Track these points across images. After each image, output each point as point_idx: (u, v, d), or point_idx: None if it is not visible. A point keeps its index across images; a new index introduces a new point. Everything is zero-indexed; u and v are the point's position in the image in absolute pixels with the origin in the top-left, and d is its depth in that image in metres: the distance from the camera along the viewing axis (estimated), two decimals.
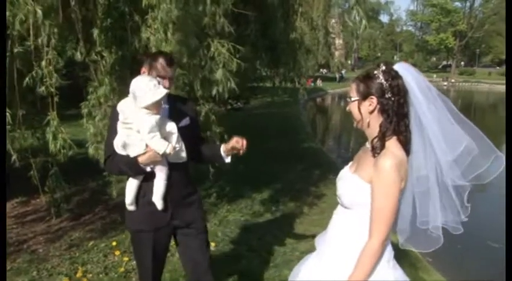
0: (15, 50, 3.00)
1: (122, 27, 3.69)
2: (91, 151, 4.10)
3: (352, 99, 1.80)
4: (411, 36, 78.98)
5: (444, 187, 1.71)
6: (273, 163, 8.61)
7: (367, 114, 1.78)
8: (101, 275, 3.94)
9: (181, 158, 2.42)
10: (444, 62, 75.26)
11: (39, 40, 3.13)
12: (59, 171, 4.20)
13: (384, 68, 1.75)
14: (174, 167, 2.42)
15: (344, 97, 35.65)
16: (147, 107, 2.22)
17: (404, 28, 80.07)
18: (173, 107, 2.48)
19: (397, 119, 1.72)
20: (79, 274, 3.90)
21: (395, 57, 55.73)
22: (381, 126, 1.74)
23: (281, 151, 10.20)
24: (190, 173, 2.63)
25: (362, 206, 1.75)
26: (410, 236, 1.83)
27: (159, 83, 2.27)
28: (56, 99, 3.18)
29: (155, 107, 2.24)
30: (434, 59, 75.75)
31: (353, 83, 1.83)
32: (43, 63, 3.17)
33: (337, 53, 47.39)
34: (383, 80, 1.72)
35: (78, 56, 3.62)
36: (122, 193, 5.97)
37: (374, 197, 1.69)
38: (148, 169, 2.36)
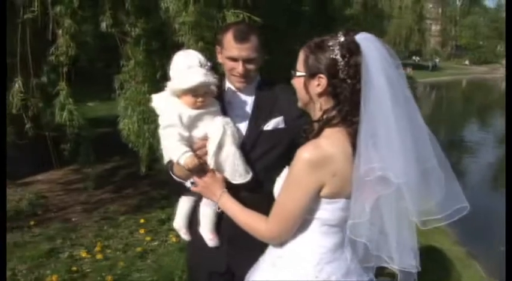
0: (25, 16, 2.92)
1: None
2: (121, 125, 4.00)
3: (298, 74, 1.39)
4: None
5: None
6: None
7: (316, 97, 1.36)
8: (118, 253, 3.88)
9: (234, 177, 1.64)
10: None
11: (58, 8, 3.03)
12: (89, 145, 4.20)
13: (342, 39, 1.30)
14: (235, 188, 1.65)
15: (436, 87, 33.11)
16: (177, 96, 1.62)
17: None
18: (262, 100, 1.76)
19: (350, 107, 1.30)
20: (97, 248, 3.87)
21: (498, 47, 50.21)
22: (326, 111, 1.34)
23: None
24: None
25: None
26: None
27: (206, 65, 1.62)
28: (65, 69, 3.08)
29: (187, 98, 1.60)
30: None
31: (301, 52, 1.39)
32: (59, 31, 3.08)
33: (432, 40, 44.22)
34: (338, 56, 1.29)
35: (104, 27, 3.47)
36: (158, 169, 5.96)
37: (281, 188, 1.39)
38: (188, 184, 1.68)
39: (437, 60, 41.48)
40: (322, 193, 1.33)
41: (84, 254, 3.76)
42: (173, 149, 1.58)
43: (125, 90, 3.94)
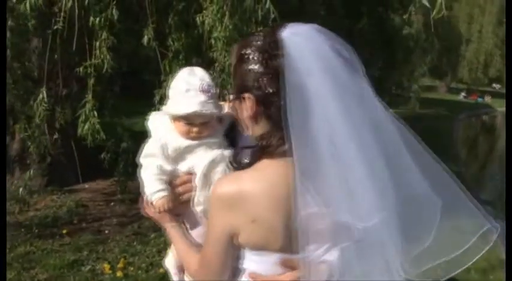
0: (55, 27, 2.92)
1: (187, 9, 3.40)
2: None
3: (231, 99, 1.13)
4: None
5: None
6: None
7: (251, 122, 1.06)
8: (139, 272, 3.75)
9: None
10: None
11: (96, 20, 3.02)
12: (128, 158, 4.17)
13: (260, 42, 1.00)
14: None
15: None
16: (173, 119, 1.34)
17: None
18: None
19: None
20: (120, 265, 3.77)
21: None
22: (261, 137, 1.03)
23: None
24: None
25: None
26: None
27: (208, 92, 1.30)
28: (92, 81, 3.03)
29: (181, 125, 1.31)
30: None
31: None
32: (97, 43, 3.05)
33: None
34: (257, 65, 0.99)
35: (145, 41, 3.42)
36: None
37: None
38: None
39: None
40: (241, 241, 1.03)
41: (105, 270, 3.67)
42: (148, 184, 1.31)
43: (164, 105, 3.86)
